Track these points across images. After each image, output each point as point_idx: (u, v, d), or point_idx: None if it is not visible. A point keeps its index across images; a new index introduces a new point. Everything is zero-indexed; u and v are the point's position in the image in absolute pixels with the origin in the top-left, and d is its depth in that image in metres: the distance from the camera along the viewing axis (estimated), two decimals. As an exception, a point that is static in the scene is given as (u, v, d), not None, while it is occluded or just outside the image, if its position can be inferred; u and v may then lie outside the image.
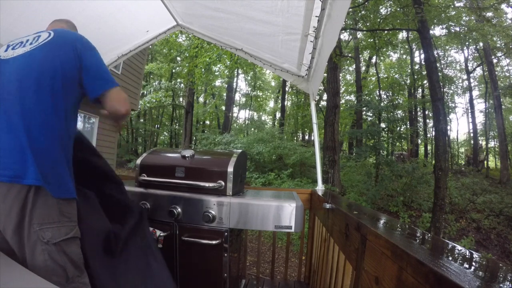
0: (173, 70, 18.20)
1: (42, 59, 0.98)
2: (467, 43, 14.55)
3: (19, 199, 0.86)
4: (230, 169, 1.56)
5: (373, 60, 17.39)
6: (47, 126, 0.94)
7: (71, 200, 0.97)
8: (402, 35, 15.28)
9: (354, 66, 17.26)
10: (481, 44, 13.10)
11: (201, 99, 23.17)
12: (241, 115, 26.87)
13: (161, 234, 1.51)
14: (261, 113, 25.01)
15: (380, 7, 9.83)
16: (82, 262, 0.97)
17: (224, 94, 19.83)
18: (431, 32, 9.98)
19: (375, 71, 17.58)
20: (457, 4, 10.22)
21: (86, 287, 0.95)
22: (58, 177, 0.94)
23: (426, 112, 17.50)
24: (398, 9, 9.06)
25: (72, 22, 1.40)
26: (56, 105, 0.96)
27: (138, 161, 1.74)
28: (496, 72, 14.13)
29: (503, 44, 12.36)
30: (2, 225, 0.87)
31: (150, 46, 9.54)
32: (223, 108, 19.08)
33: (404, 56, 18.21)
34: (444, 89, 16.75)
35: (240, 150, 1.79)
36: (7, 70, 0.97)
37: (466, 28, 10.56)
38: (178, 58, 17.89)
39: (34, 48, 1.01)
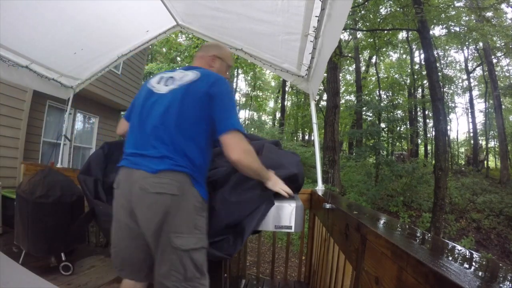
0: (173, 70, 18.15)
1: (187, 96, 1.14)
2: (467, 43, 14.55)
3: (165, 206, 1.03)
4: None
5: (373, 60, 17.38)
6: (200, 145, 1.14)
7: (204, 212, 1.13)
8: (402, 35, 15.28)
9: (354, 66, 17.27)
10: (481, 44, 13.10)
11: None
12: (241, 115, 26.87)
13: None
14: (261, 113, 25.01)
15: (380, 7, 9.83)
16: (206, 267, 1.11)
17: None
18: (431, 32, 9.99)
19: (375, 71, 17.57)
20: (457, 4, 10.22)
21: (206, 280, 1.09)
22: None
23: (426, 112, 17.49)
24: (398, 9, 9.06)
25: (220, 46, 1.50)
26: (200, 127, 1.14)
27: None
28: (496, 72, 14.13)
29: (503, 44, 12.36)
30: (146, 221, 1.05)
31: (150, 46, 9.54)
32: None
33: (404, 56, 18.20)
34: (444, 89, 16.75)
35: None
36: (157, 101, 1.17)
37: (466, 28, 10.55)
38: (178, 58, 17.89)
39: (182, 86, 1.17)
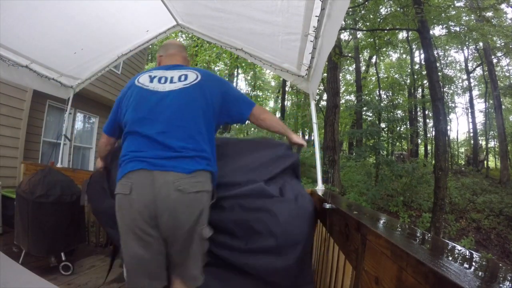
0: (173, 70, 18.15)
1: (198, 96, 1.20)
2: (467, 43, 14.54)
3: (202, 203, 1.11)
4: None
5: (373, 60, 17.38)
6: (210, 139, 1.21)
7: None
8: (402, 35, 15.28)
9: (354, 66, 17.27)
10: (481, 44, 13.09)
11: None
12: (241, 115, 26.89)
13: None
14: (261, 113, 24.96)
15: (380, 7, 9.82)
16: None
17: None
18: (431, 32, 9.98)
19: (375, 71, 17.57)
20: (457, 4, 10.21)
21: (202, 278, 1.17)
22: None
23: (426, 112, 17.49)
24: (398, 9, 9.05)
25: (182, 44, 1.59)
26: (212, 126, 1.24)
27: None
28: (496, 72, 14.12)
29: (503, 44, 12.35)
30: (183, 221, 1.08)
31: (150, 46, 9.53)
32: (223, 108, 19.04)
33: (404, 56, 18.19)
34: (444, 89, 16.74)
35: None
36: (163, 100, 1.17)
37: (466, 28, 10.55)
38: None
39: (188, 86, 1.21)
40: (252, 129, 17.06)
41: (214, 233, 1.21)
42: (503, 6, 10.26)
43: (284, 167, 1.45)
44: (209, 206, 1.15)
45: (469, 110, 18.87)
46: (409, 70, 16.62)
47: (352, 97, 19.09)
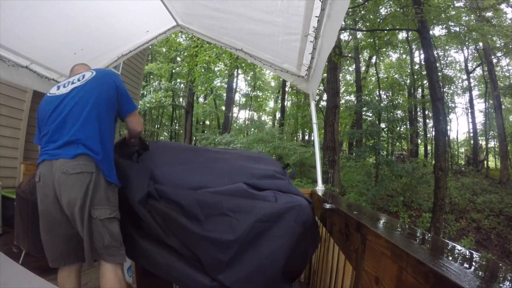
0: (173, 70, 18.18)
1: (93, 89, 1.40)
2: (467, 43, 14.53)
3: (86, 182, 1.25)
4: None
5: (373, 60, 17.37)
6: (105, 127, 1.38)
7: (115, 187, 1.35)
8: (402, 35, 15.26)
9: (354, 66, 17.25)
10: (481, 44, 13.08)
11: (201, 99, 23.17)
12: (241, 115, 26.88)
13: None
14: (261, 113, 24.99)
15: (380, 7, 9.82)
16: (121, 238, 1.31)
17: (224, 94, 19.82)
18: (431, 32, 9.98)
19: (375, 71, 17.56)
20: (457, 4, 10.21)
21: (122, 257, 1.31)
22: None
23: (426, 112, 17.48)
24: (398, 9, 9.05)
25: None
26: (107, 116, 1.40)
27: None
28: (496, 72, 14.11)
29: (503, 44, 12.35)
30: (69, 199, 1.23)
31: (150, 46, 9.54)
32: (223, 108, 19.07)
33: (404, 56, 18.18)
34: (444, 89, 16.73)
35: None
36: (67, 99, 1.37)
37: (466, 28, 10.55)
38: (178, 58, 17.88)
39: (85, 82, 1.42)
40: (252, 129, 17.06)
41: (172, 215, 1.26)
42: (503, 6, 10.26)
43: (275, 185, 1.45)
44: (105, 189, 1.29)
45: (469, 110, 18.87)
46: (409, 70, 16.61)
47: (352, 97, 19.08)
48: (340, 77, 15.00)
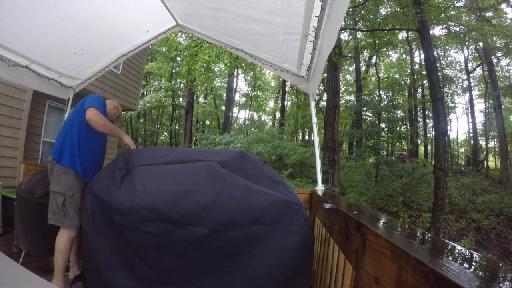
0: (173, 70, 18.18)
1: (72, 114, 2.00)
2: (467, 43, 14.54)
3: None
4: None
5: (373, 60, 17.37)
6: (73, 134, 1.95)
7: (66, 170, 1.86)
8: (402, 35, 15.28)
9: (354, 66, 17.25)
10: (481, 44, 13.09)
11: (201, 99, 23.17)
12: (241, 115, 26.89)
13: None
14: (261, 113, 25.00)
15: (380, 7, 9.82)
16: (65, 210, 1.80)
17: (224, 94, 19.82)
18: (431, 32, 9.97)
19: (375, 71, 17.56)
20: (457, 4, 10.21)
21: (65, 225, 1.80)
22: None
23: (426, 112, 17.49)
24: (398, 9, 9.05)
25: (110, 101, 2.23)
26: (72, 128, 1.95)
27: None
28: (496, 72, 14.11)
29: (503, 44, 12.35)
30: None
31: (150, 46, 9.53)
32: (223, 108, 19.07)
33: (404, 56, 18.19)
34: (444, 89, 16.73)
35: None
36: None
37: (466, 28, 10.54)
38: (178, 58, 17.87)
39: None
40: (252, 129, 17.06)
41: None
42: (503, 6, 10.26)
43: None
44: (60, 173, 1.84)
45: (469, 110, 18.88)
46: (409, 70, 16.62)
47: (352, 97, 19.08)
48: (340, 77, 15.00)
